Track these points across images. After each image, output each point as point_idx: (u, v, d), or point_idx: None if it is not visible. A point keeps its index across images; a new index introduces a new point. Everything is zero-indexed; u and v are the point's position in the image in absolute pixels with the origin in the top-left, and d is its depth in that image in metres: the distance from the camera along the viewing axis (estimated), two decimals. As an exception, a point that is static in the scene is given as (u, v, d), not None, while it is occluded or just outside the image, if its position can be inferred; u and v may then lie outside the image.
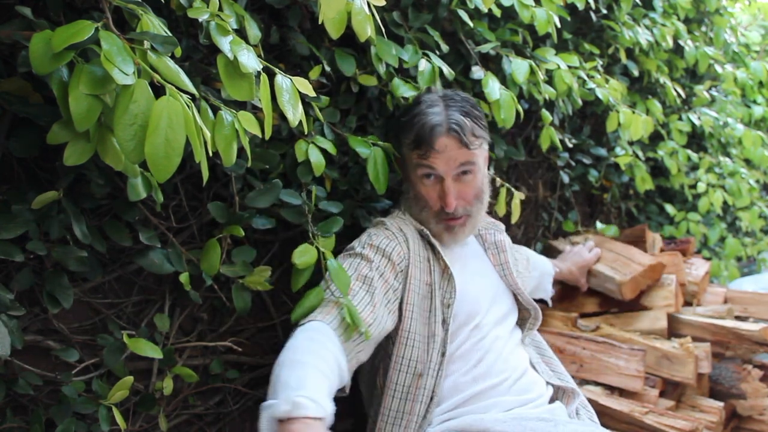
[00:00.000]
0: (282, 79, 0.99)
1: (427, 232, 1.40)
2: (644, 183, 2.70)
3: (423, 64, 1.50)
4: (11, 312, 1.00)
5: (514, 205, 1.80)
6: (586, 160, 2.56)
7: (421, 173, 1.37)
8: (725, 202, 3.21)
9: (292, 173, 1.37)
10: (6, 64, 0.99)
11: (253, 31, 1.12)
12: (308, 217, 1.35)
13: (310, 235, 1.31)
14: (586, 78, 2.10)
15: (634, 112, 2.25)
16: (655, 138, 3.03)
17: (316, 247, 1.27)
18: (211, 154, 0.86)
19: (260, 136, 0.99)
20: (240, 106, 1.16)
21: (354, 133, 1.50)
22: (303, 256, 1.25)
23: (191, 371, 1.29)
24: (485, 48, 1.74)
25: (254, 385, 1.51)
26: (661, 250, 2.46)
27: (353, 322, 1.20)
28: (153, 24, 0.84)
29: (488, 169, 1.47)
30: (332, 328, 1.20)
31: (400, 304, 1.33)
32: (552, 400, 1.44)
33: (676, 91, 2.81)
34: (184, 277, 1.21)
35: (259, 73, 0.94)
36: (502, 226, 1.63)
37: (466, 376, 1.34)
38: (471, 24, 1.68)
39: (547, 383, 1.46)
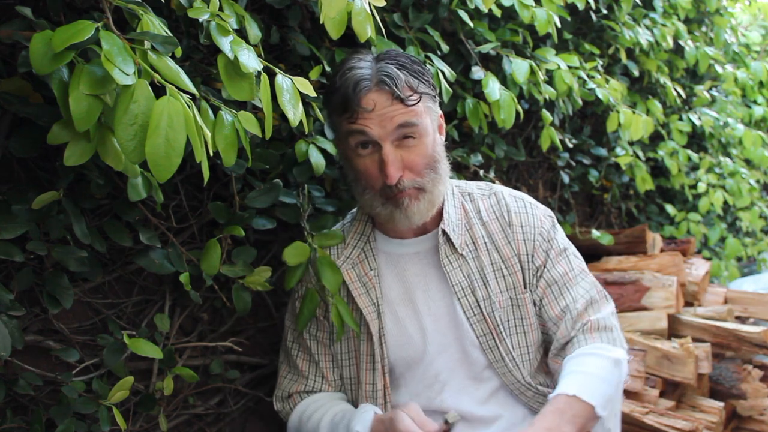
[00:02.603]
0: (282, 79, 0.99)
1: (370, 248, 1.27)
2: (644, 183, 2.71)
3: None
4: (11, 312, 1.00)
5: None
6: (586, 161, 2.56)
7: (354, 142, 1.14)
8: (725, 202, 3.21)
9: (290, 172, 1.37)
10: (6, 64, 0.99)
11: (254, 31, 1.12)
12: (304, 216, 1.35)
13: (306, 233, 1.31)
14: (586, 78, 2.10)
15: (634, 112, 2.25)
16: (656, 138, 3.03)
17: (309, 245, 1.25)
18: (211, 154, 0.86)
19: (260, 136, 0.99)
20: (240, 106, 1.16)
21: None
22: (295, 253, 1.23)
23: (191, 371, 1.29)
24: (485, 48, 1.74)
25: (254, 385, 1.51)
26: (662, 251, 2.46)
27: (343, 323, 1.22)
28: (153, 24, 0.84)
29: (442, 133, 1.25)
30: (311, 394, 1.31)
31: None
32: None
33: (676, 91, 2.81)
34: (184, 277, 1.21)
35: (259, 73, 0.93)
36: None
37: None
38: (471, 24, 1.68)
39: None
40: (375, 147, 1.14)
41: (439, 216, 1.25)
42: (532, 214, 1.29)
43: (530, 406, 1.27)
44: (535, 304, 1.27)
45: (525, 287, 1.27)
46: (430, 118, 1.18)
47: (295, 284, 1.26)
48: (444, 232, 1.24)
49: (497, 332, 1.22)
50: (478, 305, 1.23)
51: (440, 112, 1.25)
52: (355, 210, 1.34)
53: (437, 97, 1.22)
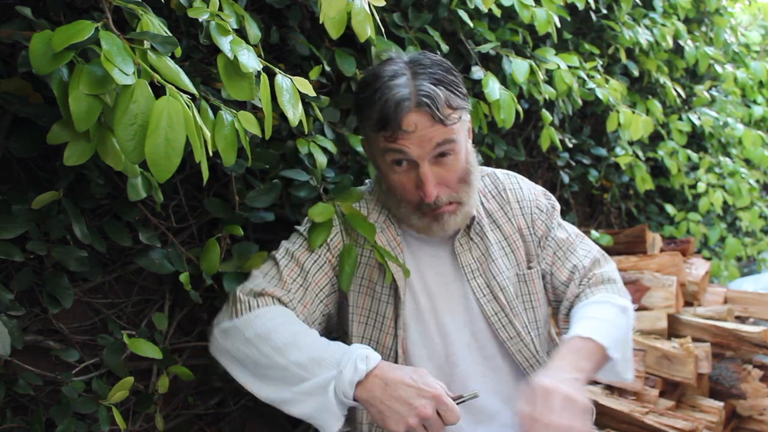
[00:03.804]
0: (282, 79, 0.99)
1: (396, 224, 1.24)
2: (644, 183, 2.71)
3: None
4: (11, 312, 1.00)
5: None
6: (586, 160, 2.56)
7: (390, 159, 1.13)
8: (725, 202, 3.21)
9: (296, 162, 1.36)
10: (6, 64, 0.99)
11: (253, 31, 1.12)
12: (320, 187, 1.34)
13: (323, 191, 1.29)
14: (586, 78, 2.10)
15: (634, 112, 2.25)
16: (655, 138, 3.03)
17: (333, 203, 1.23)
18: (211, 153, 0.86)
19: (260, 135, 0.99)
20: (240, 106, 1.16)
21: (354, 132, 1.50)
22: (320, 212, 1.21)
23: (187, 370, 1.28)
24: (485, 48, 1.74)
25: (254, 385, 1.51)
26: (661, 251, 2.46)
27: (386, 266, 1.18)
28: (153, 24, 0.84)
29: (472, 141, 1.25)
30: (290, 306, 1.15)
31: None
32: None
33: (676, 91, 2.81)
34: (184, 277, 1.21)
35: (259, 72, 0.93)
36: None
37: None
38: (471, 24, 1.68)
39: None
40: (411, 164, 1.12)
41: None
42: (526, 189, 1.33)
43: None
44: (544, 276, 1.30)
45: (529, 263, 1.29)
46: (464, 131, 1.18)
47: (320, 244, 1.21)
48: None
49: (510, 308, 1.24)
50: (488, 285, 1.24)
51: (469, 118, 1.23)
52: (370, 183, 1.33)
53: (468, 102, 1.19)
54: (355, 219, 1.20)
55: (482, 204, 1.30)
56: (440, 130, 1.10)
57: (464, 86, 1.17)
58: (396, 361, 1.21)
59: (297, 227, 1.26)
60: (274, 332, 1.06)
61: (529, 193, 1.32)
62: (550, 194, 1.37)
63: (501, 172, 1.36)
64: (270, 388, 1.06)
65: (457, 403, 1.00)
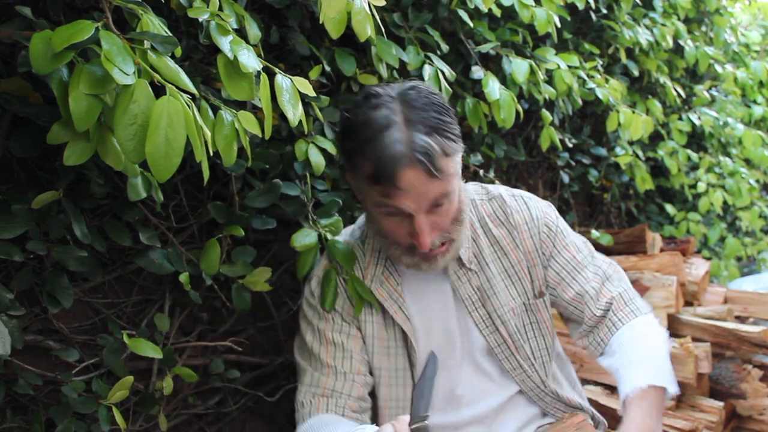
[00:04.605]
0: (282, 79, 0.99)
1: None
2: (644, 183, 2.71)
3: (428, 70, 1.50)
4: (11, 312, 1.00)
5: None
6: (586, 160, 2.56)
7: (383, 210, 1.10)
8: (725, 202, 3.21)
9: (290, 168, 1.36)
10: (6, 64, 0.99)
11: (253, 31, 1.12)
12: (308, 205, 1.34)
13: (310, 221, 1.30)
14: (586, 78, 2.10)
15: (634, 112, 2.25)
16: (655, 138, 3.03)
17: (318, 231, 1.25)
18: (211, 153, 0.86)
19: (260, 135, 0.99)
20: (240, 105, 1.16)
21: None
22: (303, 239, 1.23)
23: (191, 371, 1.29)
24: (485, 48, 1.74)
25: (254, 384, 1.51)
26: (661, 250, 2.46)
27: (360, 299, 1.21)
28: (153, 24, 0.84)
29: (464, 171, 1.25)
30: (335, 413, 1.19)
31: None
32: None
33: (676, 91, 2.81)
34: (184, 277, 1.21)
35: (259, 72, 0.93)
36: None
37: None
38: (471, 24, 1.68)
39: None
40: (405, 215, 1.09)
41: None
42: (534, 208, 1.29)
43: (545, 410, 1.29)
44: (552, 295, 1.29)
45: (539, 290, 1.27)
46: (457, 171, 1.12)
47: (307, 272, 1.24)
48: None
49: (512, 341, 1.23)
50: (490, 317, 1.23)
51: (461, 155, 1.16)
52: (361, 223, 1.31)
53: (461, 138, 1.14)
54: (334, 246, 1.22)
55: (490, 231, 1.27)
56: (437, 185, 1.05)
57: (457, 123, 1.12)
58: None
59: (302, 313, 1.28)
60: None
61: (537, 211, 1.29)
62: (553, 207, 1.35)
63: (508, 195, 1.31)
64: None
65: None
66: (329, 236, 1.25)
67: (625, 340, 1.20)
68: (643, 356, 1.16)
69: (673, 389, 1.12)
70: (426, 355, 1.23)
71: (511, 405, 1.27)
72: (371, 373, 1.24)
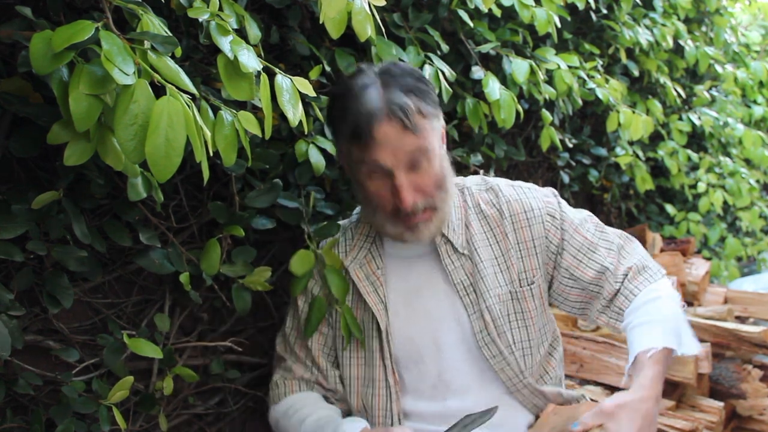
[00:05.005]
0: (282, 79, 0.99)
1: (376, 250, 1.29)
2: (644, 183, 2.71)
3: (428, 70, 1.50)
4: (11, 312, 1.00)
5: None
6: (586, 160, 2.56)
7: (365, 170, 1.15)
8: (725, 202, 3.21)
9: (291, 174, 1.37)
10: (6, 64, 0.99)
11: (253, 31, 1.12)
12: (306, 220, 1.35)
13: (307, 237, 1.31)
14: (586, 78, 2.10)
15: (634, 112, 2.25)
16: (655, 138, 3.03)
17: (313, 252, 1.27)
18: (211, 153, 0.86)
19: (260, 136, 0.99)
20: (240, 106, 1.16)
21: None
22: (301, 263, 1.26)
23: (191, 371, 1.29)
24: (485, 48, 1.74)
25: (254, 384, 1.51)
26: (662, 250, 2.47)
27: (352, 331, 1.24)
28: (153, 24, 0.84)
29: (445, 145, 1.25)
30: (308, 384, 1.32)
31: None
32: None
33: (676, 91, 2.81)
34: (184, 277, 1.21)
35: (259, 72, 0.93)
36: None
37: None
38: (471, 24, 1.68)
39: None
40: (386, 173, 1.14)
41: None
42: (533, 197, 1.29)
43: (528, 408, 1.27)
44: (570, 281, 1.29)
45: (528, 279, 1.27)
46: (437, 137, 1.18)
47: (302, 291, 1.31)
48: (443, 234, 1.25)
49: (494, 326, 1.22)
50: (478, 302, 1.23)
51: (443, 124, 1.24)
52: (359, 209, 1.34)
53: (440, 109, 1.22)
54: (330, 273, 1.25)
55: (484, 217, 1.28)
56: (412, 139, 1.11)
57: (435, 94, 1.20)
58: (389, 391, 1.24)
59: (292, 300, 1.35)
60: (287, 424, 1.25)
61: (537, 201, 1.29)
62: (554, 191, 1.34)
63: (506, 184, 1.33)
64: None
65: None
66: (327, 260, 1.28)
67: (640, 305, 1.22)
68: (654, 319, 1.17)
69: (689, 348, 1.15)
70: (404, 339, 1.25)
71: (499, 399, 1.25)
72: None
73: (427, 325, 1.25)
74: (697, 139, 3.38)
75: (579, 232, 1.29)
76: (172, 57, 0.85)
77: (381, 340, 1.25)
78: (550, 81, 1.92)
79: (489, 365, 1.24)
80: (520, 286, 1.26)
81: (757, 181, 3.80)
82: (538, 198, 1.29)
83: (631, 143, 2.79)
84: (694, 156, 3.08)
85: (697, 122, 3.11)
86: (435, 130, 1.17)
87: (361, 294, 1.26)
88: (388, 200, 1.16)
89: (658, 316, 1.18)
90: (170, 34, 0.85)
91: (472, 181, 1.34)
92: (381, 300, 1.25)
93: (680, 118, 3.10)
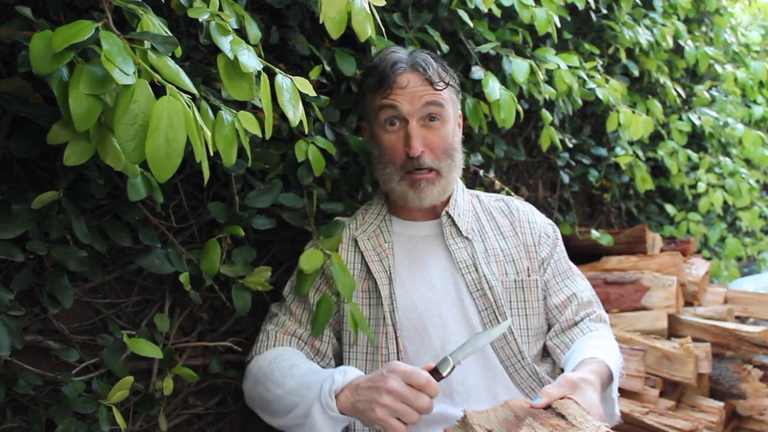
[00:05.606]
0: (282, 79, 0.99)
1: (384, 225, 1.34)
2: (644, 183, 2.71)
3: None
4: (11, 312, 1.00)
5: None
6: (586, 160, 2.56)
7: (384, 117, 1.25)
8: (725, 202, 3.21)
9: (292, 174, 1.37)
10: (6, 64, 0.99)
11: (253, 31, 1.12)
12: (311, 219, 1.36)
13: (314, 236, 1.32)
14: (586, 78, 2.10)
15: (634, 112, 2.25)
16: (655, 138, 3.03)
17: (322, 250, 1.27)
18: (211, 153, 0.86)
19: (260, 136, 0.99)
20: (240, 106, 1.16)
21: (354, 133, 1.50)
22: (310, 260, 1.26)
23: (191, 371, 1.29)
24: (485, 48, 1.74)
25: (254, 385, 1.51)
26: (662, 251, 2.46)
27: (357, 326, 1.23)
28: (153, 24, 0.84)
29: (460, 129, 1.36)
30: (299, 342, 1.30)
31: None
32: None
33: (676, 91, 2.81)
34: (184, 277, 1.21)
35: (259, 72, 0.93)
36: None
37: None
38: (471, 24, 1.68)
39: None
40: (402, 124, 1.25)
41: (448, 202, 1.36)
42: (539, 215, 1.43)
43: (526, 392, 1.29)
44: (539, 277, 1.36)
45: (530, 273, 1.34)
46: (453, 108, 1.31)
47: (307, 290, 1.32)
48: (448, 214, 1.33)
49: (497, 306, 1.27)
50: (480, 281, 1.29)
51: (460, 111, 1.37)
52: (375, 198, 1.41)
53: (460, 95, 1.36)
54: (337, 271, 1.25)
55: (494, 219, 1.39)
56: (430, 91, 1.25)
57: (456, 78, 1.34)
58: (391, 359, 1.26)
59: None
60: (275, 369, 1.20)
61: (541, 219, 1.43)
62: (558, 231, 1.45)
63: (516, 199, 1.47)
64: (277, 418, 1.18)
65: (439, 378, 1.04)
66: (333, 259, 1.28)
67: (594, 337, 1.27)
68: (598, 345, 1.22)
69: (614, 388, 1.18)
70: (409, 308, 1.28)
71: (498, 385, 1.28)
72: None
73: (432, 298, 1.29)
74: (697, 139, 3.38)
75: (566, 260, 1.41)
76: (172, 57, 0.85)
77: (383, 308, 1.27)
78: (550, 81, 1.92)
79: (490, 344, 1.28)
80: (528, 276, 1.33)
81: (757, 181, 3.80)
82: (542, 218, 1.43)
83: (631, 143, 2.79)
84: (694, 156, 3.08)
85: (697, 122, 3.11)
86: (452, 101, 1.31)
87: (367, 263, 1.31)
88: (399, 152, 1.25)
89: (610, 351, 1.21)
90: (170, 34, 0.85)
91: (485, 194, 1.47)
92: (385, 270, 1.30)
93: (680, 118, 3.10)
